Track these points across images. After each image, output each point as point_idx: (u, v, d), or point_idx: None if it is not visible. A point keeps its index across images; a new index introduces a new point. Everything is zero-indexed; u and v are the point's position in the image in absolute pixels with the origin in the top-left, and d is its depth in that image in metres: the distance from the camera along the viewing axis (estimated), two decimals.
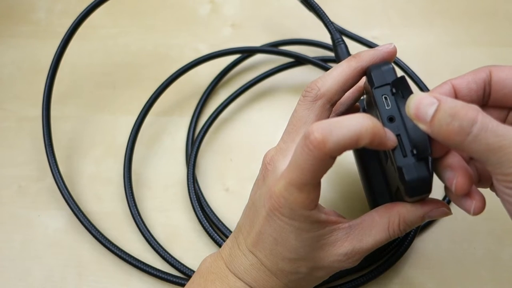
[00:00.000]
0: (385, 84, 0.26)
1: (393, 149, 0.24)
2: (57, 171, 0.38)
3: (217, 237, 0.36)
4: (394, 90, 0.25)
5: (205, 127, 0.41)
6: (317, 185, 0.25)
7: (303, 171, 0.23)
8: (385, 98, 0.25)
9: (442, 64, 0.44)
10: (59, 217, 0.39)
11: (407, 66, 0.41)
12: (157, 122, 0.43)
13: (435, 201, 0.27)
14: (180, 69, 0.42)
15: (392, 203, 0.27)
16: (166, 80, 0.42)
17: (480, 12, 0.47)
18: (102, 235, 0.37)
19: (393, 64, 0.27)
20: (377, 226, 0.26)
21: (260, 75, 0.44)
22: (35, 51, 0.48)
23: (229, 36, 0.48)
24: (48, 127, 0.38)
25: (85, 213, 0.37)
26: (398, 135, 0.24)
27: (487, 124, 0.21)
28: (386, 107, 0.25)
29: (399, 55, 0.42)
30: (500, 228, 0.36)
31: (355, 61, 0.27)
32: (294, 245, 0.26)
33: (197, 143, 0.40)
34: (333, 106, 0.27)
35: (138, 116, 0.40)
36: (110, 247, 0.36)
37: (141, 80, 0.46)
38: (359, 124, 0.22)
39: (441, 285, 0.35)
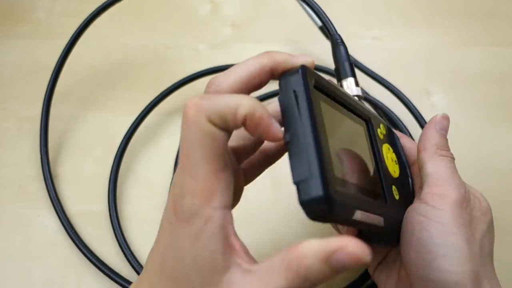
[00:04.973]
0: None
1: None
2: (48, 173, 0.38)
3: None
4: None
5: None
6: (215, 172, 0.21)
7: (193, 148, 0.21)
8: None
9: (442, 64, 0.44)
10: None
11: (370, 69, 0.40)
12: (157, 122, 0.43)
13: (344, 238, 0.19)
14: (184, 79, 0.43)
15: (298, 243, 0.20)
16: (166, 89, 0.42)
17: (480, 12, 0.47)
18: (86, 247, 0.37)
19: (305, 71, 0.23)
20: (276, 273, 0.20)
21: None
22: (35, 51, 0.48)
23: (229, 36, 0.48)
24: (46, 130, 0.38)
25: (83, 213, 0.37)
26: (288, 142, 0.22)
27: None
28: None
29: (400, 55, 0.42)
30: (500, 228, 0.36)
31: (267, 57, 0.24)
32: (189, 264, 0.21)
33: None
34: None
35: (134, 121, 0.41)
36: (93, 260, 0.36)
37: (141, 80, 0.46)
38: (241, 96, 0.21)
39: None
